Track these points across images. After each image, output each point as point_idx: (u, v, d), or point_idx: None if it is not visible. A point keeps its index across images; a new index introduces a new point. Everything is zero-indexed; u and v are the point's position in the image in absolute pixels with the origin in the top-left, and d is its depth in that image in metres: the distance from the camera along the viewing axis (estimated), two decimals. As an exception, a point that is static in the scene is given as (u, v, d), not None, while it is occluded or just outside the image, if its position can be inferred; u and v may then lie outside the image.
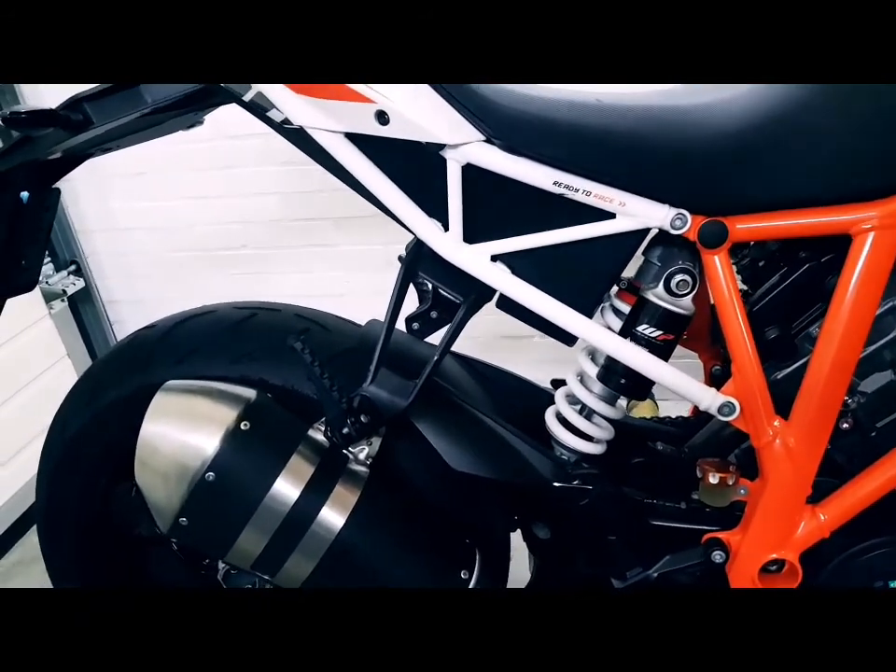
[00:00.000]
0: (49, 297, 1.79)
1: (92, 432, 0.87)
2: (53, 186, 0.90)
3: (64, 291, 1.82)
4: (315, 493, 0.70)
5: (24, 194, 0.83)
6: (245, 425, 0.69)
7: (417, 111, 0.64)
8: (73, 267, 1.87)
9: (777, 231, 0.67)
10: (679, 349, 0.85)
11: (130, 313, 1.97)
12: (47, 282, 1.80)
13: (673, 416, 1.00)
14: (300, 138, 0.71)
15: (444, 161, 0.67)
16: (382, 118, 0.64)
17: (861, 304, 0.65)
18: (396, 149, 0.67)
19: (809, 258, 0.73)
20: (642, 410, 1.21)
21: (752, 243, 0.84)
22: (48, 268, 1.82)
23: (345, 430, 0.71)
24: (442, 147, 0.66)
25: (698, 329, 0.93)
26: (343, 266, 1.79)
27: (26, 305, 1.69)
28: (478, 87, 0.66)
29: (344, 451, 0.74)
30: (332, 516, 0.70)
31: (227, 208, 1.77)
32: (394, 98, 0.64)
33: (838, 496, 0.71)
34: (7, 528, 1.62)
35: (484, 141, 0.66)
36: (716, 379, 0.95)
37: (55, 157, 0.81)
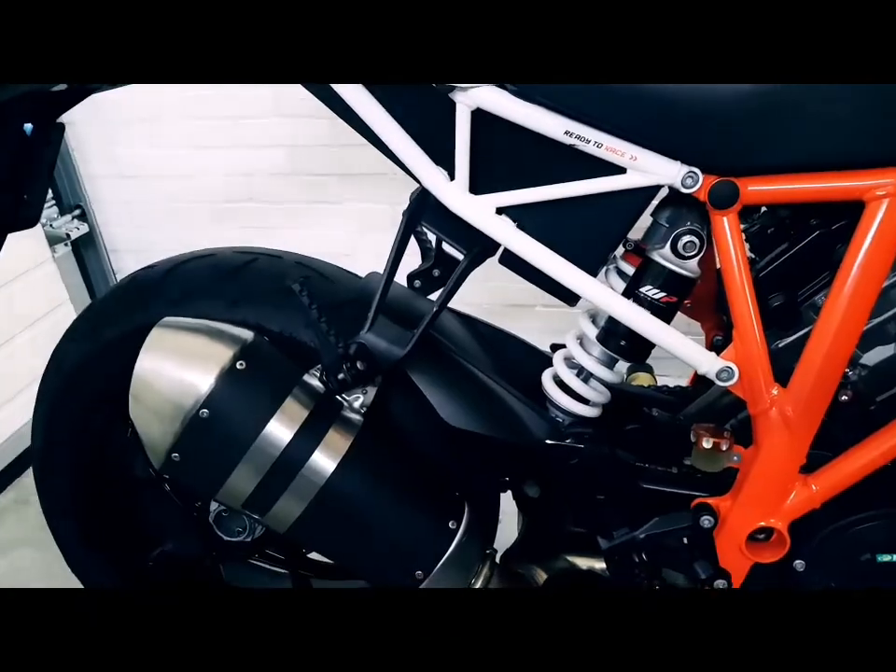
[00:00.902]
0: (52, 240, 1.78)
1: (90, 370, 0.86)
2: (58, 120, 0.88)
3: (68, 235, 1.81)
4: (308, 436, 0.70)
5: (28, 126, 0.81)
6: (241, 364, 0.69)
7: (428, 51, 0.62)
8: (77, 211, 1.85)
9: (790, 194, 0.66)
10: (682, 325, 0.84)
11: (133, 260, 1.96)
12: (51, 225, 1.78)
13: (671, 385, 0.99)
14: (307, 77, 0.69)
15: (454, 104, 0.65)
16: (391, 57, 0.63)
17: (868, 274, 0.64)
18: (404, 91, 0.65)
19: (819, 225, 0.72)
20: (640, 381, 1.20)
21: (762, 209, 0.83)
22: (52, 211, 1.81)
23: (341, 376, 0.70)
24: (452, 89, 0.64)
25: (702, 296, 0.92)
26: (348, 224, 1.78)
27: (29, 247, 1.69)
28: (492, 29, 0.64)
29: (339, 398, 0.74)
30: (323, 460, 0.70)
31: (233, 159, 1.75)
32: (404, 36, 0.62)
33: (831, 467, 0.71)
34: (4, 468, 1.63)
35: (496, 85, 0.64)
36: (717, 348, 0.93)
37: (59, 88, 0.79)
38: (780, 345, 0.73)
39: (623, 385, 0.89)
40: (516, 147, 0.67)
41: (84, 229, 1.85)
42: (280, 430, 0.69)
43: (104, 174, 1.85)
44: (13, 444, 1.63)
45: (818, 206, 0.70)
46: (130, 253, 1.96)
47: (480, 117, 0.65)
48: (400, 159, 0.69)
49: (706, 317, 0.95)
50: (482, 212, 0.70)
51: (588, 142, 0.65)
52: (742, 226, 0.81)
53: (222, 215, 1.83)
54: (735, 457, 0.72)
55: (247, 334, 0.73)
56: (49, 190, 1.79)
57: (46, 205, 1.78)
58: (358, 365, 0.69)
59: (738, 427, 0.77)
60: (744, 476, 0.72)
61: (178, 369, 0.69)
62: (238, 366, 0.69)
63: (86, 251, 1.90)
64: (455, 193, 0.69)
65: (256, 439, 0.68)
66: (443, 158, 0.69)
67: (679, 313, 0.76)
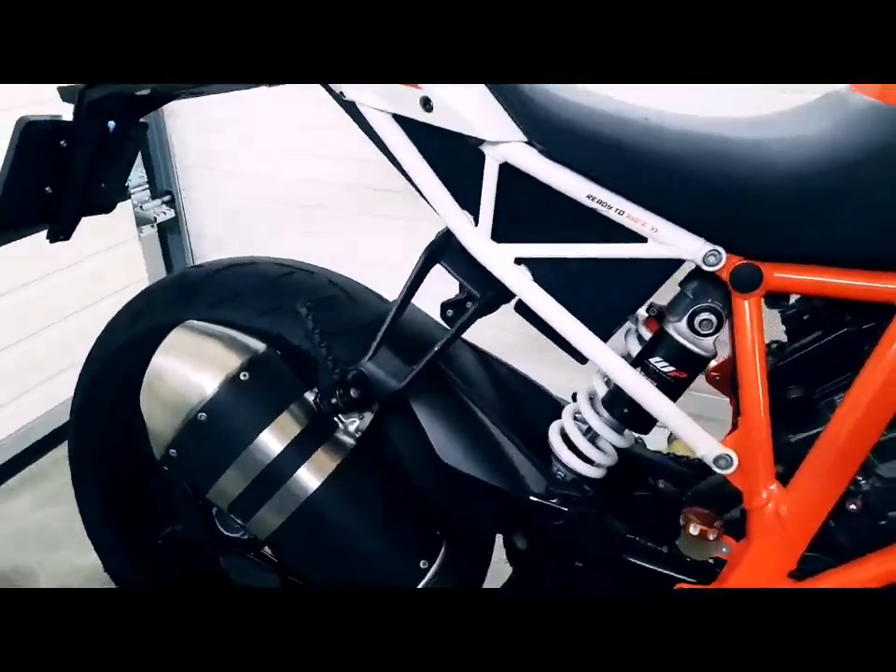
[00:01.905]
0: (140, 221, 1.90)
1: (126, 355, 0.92)
2: (140, 120, 0.95)
3: (155, 218, 1.93)
4: (296, 452, 0.72)
5: (111, 123, 0.88)
6: (245, 375, 0.72)
7: (462, 103, 0.64)
8: (167, 197, 1.97)
9: (815, 286, 0.63)
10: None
11: (211, 247, 2.07)
12: (141, 207, 1.91)
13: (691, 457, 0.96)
14: (353, 111, 0.72)
15: (483, 155, 0.66)
16: (426, 104, 0.65)
17: (891, 381, 0.60)
18: (439, 137, 0.66)
19: (851, 322, 0.68)
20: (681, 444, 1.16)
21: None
22: (144, 194, 1.93)
23: (333, 401, 0.72)
24: (482, 142, 0.65)
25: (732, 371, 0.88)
26: (406, 238, 1.80)
27: (120, 224, 1.82)
28: (529, 88, 0.65)
29: (336, 419, 0.75)
30: (308, 478, 0.72)
31: (312, 167, 1.82)
32: (440, 87, 0.63)
33: (825, 577, 0.66)
34: (65, 423, 1.75)
35: (525, 143, 0.65)
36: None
37: (143, 93, 0.85)
38: (790, 440, 0.69)
39: (634, 447, 0.86)
40: (540, 202, 0.67)
41: (170, 214, 1.97)
42: (271, 443, 0.72)
43: (196, 165, 1.97)
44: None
45: (852, 302, 0.66)
46: (210, 240, 2.07)
47: (507, 169, 0.66)
48: (429, 200, 0.71)
49: (733, 394, 0.91)
50: (500, 260, 0.70)
51: (609, 207, 0.64)
52: (778, 308, 0.78)
53: (295, 217, 1.90)
54: (724, 549, 0.69)
55: (259, 346, 0.76)
56: (145, 174, 1.92)
57: (139, 189, 1.92)
58: (352, 392, 0.71)
59: (739, 517, 0.74)
60: (730, 570, 0.69)
61: (188, 369, 0.73)
62: (242, 376, 0.72)
63: (170, 235, 2.02)
64: (476, 239, 0.70)
65: (247, 448, 0.71)
66: (469, 202, 0.70)
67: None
